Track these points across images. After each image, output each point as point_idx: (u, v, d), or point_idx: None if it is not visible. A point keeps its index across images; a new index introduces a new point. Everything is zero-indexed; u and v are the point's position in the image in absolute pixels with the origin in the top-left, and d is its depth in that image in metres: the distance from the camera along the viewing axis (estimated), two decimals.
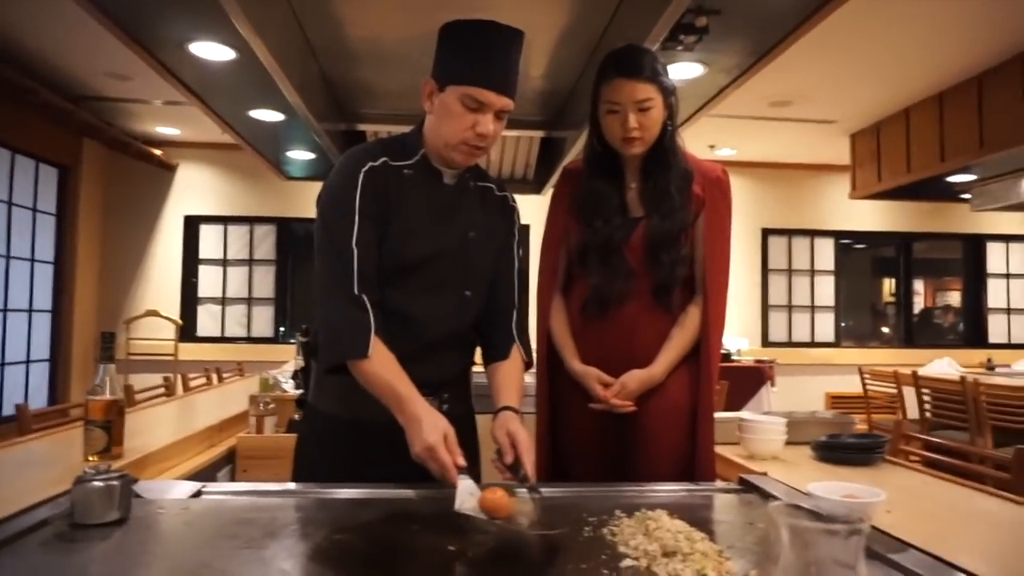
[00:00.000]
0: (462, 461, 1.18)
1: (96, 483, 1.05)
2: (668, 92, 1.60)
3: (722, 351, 6.08)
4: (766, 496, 1.33)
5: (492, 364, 1.48)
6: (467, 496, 1.11)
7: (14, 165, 5.33)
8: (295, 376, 2.40)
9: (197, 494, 1.26)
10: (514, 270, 1.53)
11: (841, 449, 1.76)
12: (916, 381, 4.59)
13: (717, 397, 3.46)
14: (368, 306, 1.30)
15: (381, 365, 1.28)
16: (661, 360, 1.59)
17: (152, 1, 2.66)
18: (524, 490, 1.20)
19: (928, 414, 4.53)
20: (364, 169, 1.36)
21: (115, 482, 1.06)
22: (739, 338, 6.78)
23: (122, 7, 2.66)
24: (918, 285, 7.80)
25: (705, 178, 1.65)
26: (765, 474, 1.53)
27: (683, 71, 3.14)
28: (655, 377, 1.59)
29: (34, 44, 4.30)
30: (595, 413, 1.61)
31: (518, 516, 1.12)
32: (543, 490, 1.21)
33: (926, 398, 4.57)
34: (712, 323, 1.62)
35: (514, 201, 1.56)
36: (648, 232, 1.60)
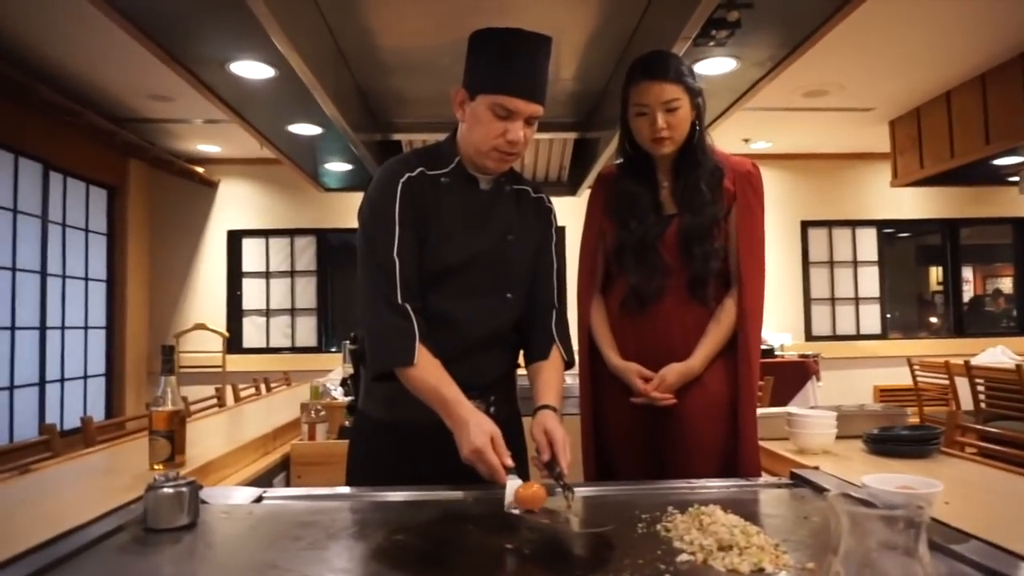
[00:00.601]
0: (510, 461, 1.21)
1: (167, 490, 1.10)
2: (695, 93, 1.63)
3: (765, 346, 5.97)
4: (818, 490, 1.32)
5: (532, 364, 1.50)
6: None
7: (66, 187, 5.54)
8: (344, 383, 2.46)
9: (259, 499, 1.30)
10: (553, 270, 1.56)
11: (894, 441, 1.73)
12: (969, 371, 4.47)
13: (761, 393, 3.44)
14: (411, 314, 1.34)
15: (427, 371, 1.32)
16: (698, 353, 1.62)
17: (193, 23, 2.75)
18: (559, 488, 1.22)
19: (983, 405, 4.41)
20: (402, 180, 1.40)
21: (184, 489, 1.11)
22: (782, 333, 6.67)
23: (164, 30, 2.76)
24: (967, 272, 7.57)
25: (735, 172, 1.68)
26: (816, 468, 1.52)
27: (715, 66, 3.12)
28: (693, 370, 1.61)
29: (79, 69, 4.48)
30: (636, 408, 1.64)
31: (564, 514, 1.14)
32: (577, 489, 1.23)
33: (980, 388, 4.44)
34: (749, 315, 1.63)
35: (550, 202, 1.58)
36: (681, 228, 1.63)
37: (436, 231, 1.40)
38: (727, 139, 6.23)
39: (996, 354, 4.83)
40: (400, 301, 1.34)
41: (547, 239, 1.55)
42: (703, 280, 1.63)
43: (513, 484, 1.16)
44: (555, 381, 1.46)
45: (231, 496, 1.31)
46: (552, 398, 1.41)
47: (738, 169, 1.69)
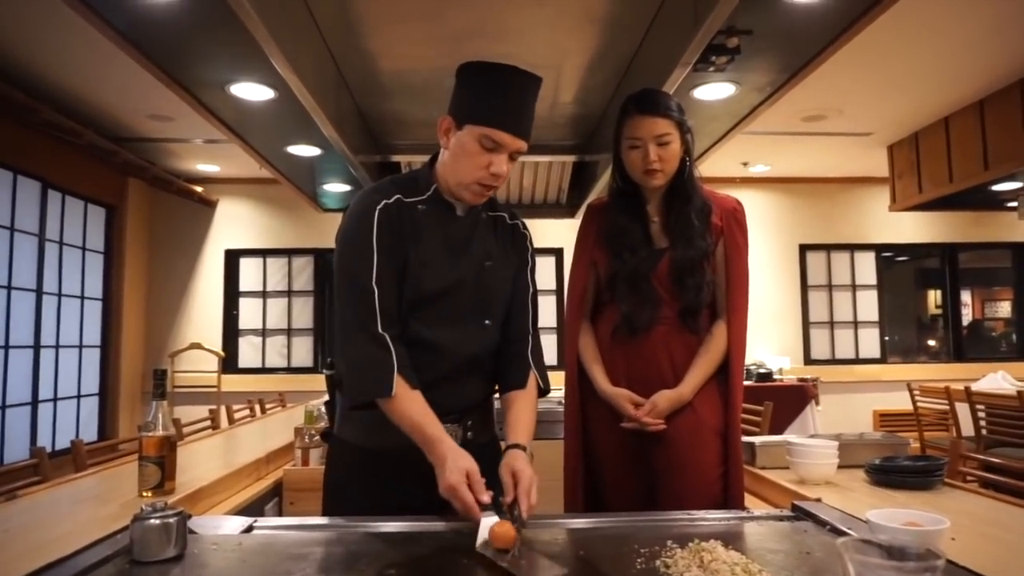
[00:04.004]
0: (486, 498, 1.18)
1: (154, 521, 1.07)
2: (684, 129, 1.70)
3: (763, 370, 5.95)
4: (821, 524, 1.30)
5: (508, 393, 1.48)
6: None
7: (65, 206, 5.53)
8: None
9: (249, 529, 1.27)
10: (528, 297, 1.55)
11: (897, 473, 1.70)
12: (969, 397, 4.44)
13: (762, 419, 3.40)
14: (390, 345, 1.33)
15: (408, 404, 1.31)
16: (689, 380, 1.66)
17: (194, 46, 2.76)
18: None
19: (984, 431, 4.37)
20: (379, 207, 1.39)
21: (171, 519, 1.08)
22: (781, 356, 6.64)
23: (165, 52, 2.77)
24: (965, 296, 7.56)
25: (722, 209, 1.75)
26: (819, 500, 1.49)
27: (715, 91, 3.14)
28: (684, 396, 1.65)
29: (80, 88, 4.49)
30: (627, 435, 1.67)
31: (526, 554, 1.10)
32: (576, 521, 1.23)
33: (981, 414, 4.41)
34: (736, 344, 1.70)
35: (526, 228, 1.59)
36: (674, 261, 1.69)
37: (414, 258, 1.39)
38: (726, 163, 6.25)
39: (997, 379, 4.81)
40: (380, 331, 1.33)
41: (524, 265, 1.55)
42: (694, 310, 1.69)
43: (488, 522, 1.12)
44: (528, 416, 1.44)
45: (221, 526, 1.28)
46: (523, 436, 1.38)
47: (724, 206, 1.75)
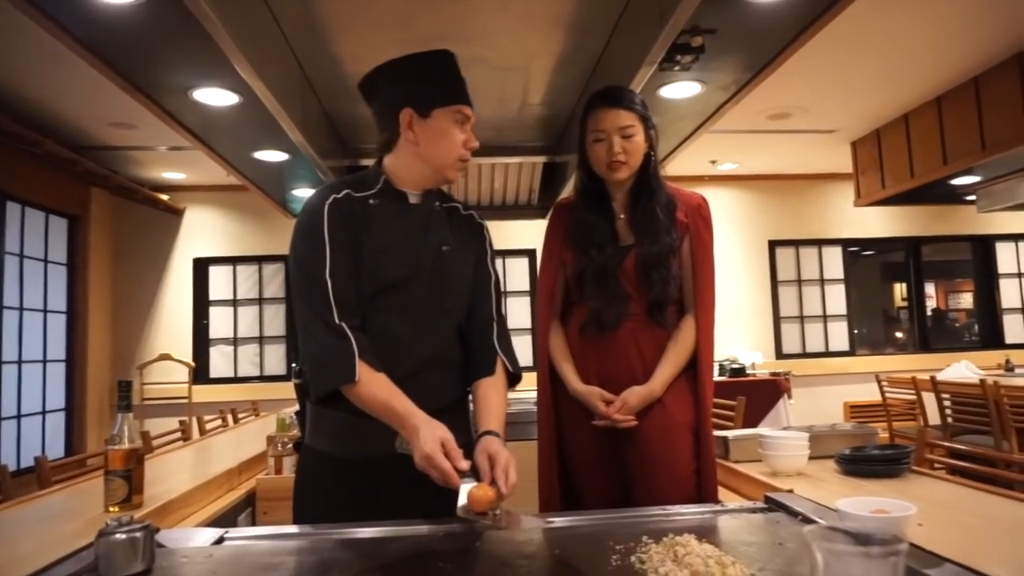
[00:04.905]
0: (463, 465, 1.19)
1: (119, 536, 1.05)
2: (648, 123, 1.72)
3: (736, 365, 6.00)
4: (793, 514, 1.32)
5: (477, 380, 1.47)
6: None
7: (24, 218, 5.40)
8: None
9: (219, 541, 1.25)
10: (491, 283, 1.55)
11: (866, 462, 1.73)
12: (935, 386, 4.54)
13: (735, 413, 3.44)
14: (349, 333, 1.32)
15: (374, 385, 1.30)
16: (659, 376, 1.67)
17: (155, 51, 2.71)
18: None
19: (950, 419, 4.47)
20: (328, 202, 1.39)
21: (138, 534, 1.06)
22: (753, 352, 6.73)
23: (126, 58, 2.72)
24: (929, 288, 7.74)
25: (687, 205, 1.76)
26: (791, 491, 1.51)
27: (681, 90, 3.17)
28: (654, 392, 1.66)
29: (38, 96, 4.39)
30: (599, 433, 1.67)
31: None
32: (553, 519, 1.25)
33: (946, 403, 4.51)
34: (703, 339, 1.71)
35: (481, 219, 1.60)
36: (640, 256, 1.69)
37: (370, 247, 1.39)
38: (695, 161, 6.32)
39: (961, 369, 4.92)
40: (336, 321, 1.32)
41: (483, 253, 1.55)
42: (662, 305, 1.70)
43: (466, 487, 1.15)
44: (498, 404, 1.42)
45: (191, 538, 1.25)
46: (495, 424, 1.37)
47: (689, 202, 1.77)
